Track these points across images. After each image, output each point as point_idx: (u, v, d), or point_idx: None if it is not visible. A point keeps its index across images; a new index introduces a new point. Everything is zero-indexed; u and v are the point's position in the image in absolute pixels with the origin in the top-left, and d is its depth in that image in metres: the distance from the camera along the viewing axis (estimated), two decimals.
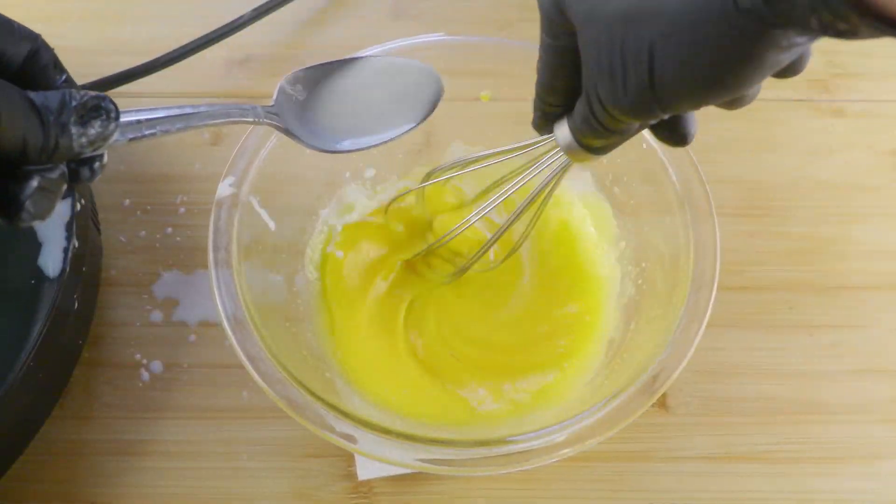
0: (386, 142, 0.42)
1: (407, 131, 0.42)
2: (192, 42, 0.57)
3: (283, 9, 0.61)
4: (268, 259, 0.47)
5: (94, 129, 0.31)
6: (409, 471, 0.45)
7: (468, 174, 0.47)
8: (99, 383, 0.49)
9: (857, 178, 0.56)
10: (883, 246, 0.54)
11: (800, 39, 0.28)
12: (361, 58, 0.43)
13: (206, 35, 0.58)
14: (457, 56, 0.51)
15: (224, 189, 0.45)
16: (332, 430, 0.39)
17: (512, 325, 0.49)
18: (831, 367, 0.50)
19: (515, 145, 0.41)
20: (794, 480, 0.47)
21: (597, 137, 0.35)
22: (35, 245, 0.44)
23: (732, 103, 0.33)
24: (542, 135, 0.39)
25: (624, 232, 0.50)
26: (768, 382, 0.49)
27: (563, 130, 0.37)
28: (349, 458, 0.46)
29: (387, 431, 0.39)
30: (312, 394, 0.40)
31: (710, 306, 0.42)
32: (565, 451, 0.39)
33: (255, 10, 0.59)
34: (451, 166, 0.46)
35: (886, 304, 0.52)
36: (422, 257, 0.50)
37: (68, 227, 0.45)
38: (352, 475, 0.46)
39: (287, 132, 0.40)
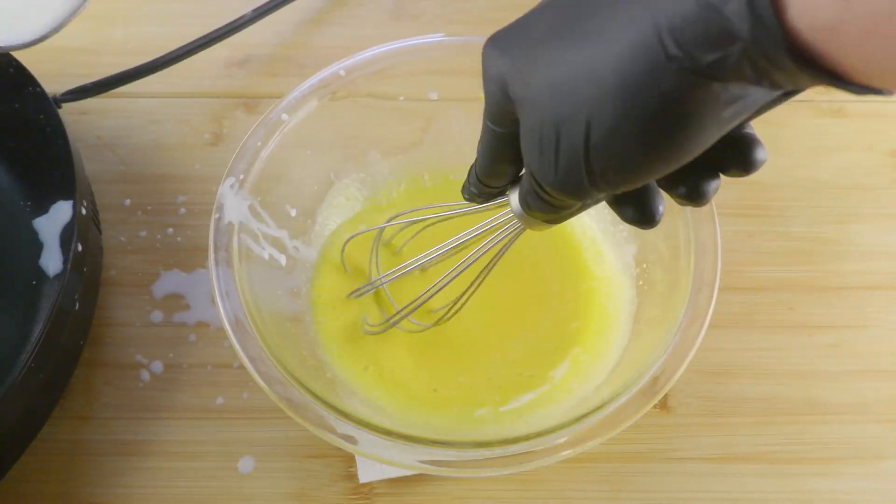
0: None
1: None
2: (192, 42, 0.57)
3: (283, 9, 0.60)
4: (268, 261, 0.47)
5: None
6: (410, 472, 0.45)
7: (427, 233, 0.47)
8: (99, 383, 0.49)
9: (857, 178, 0.56)
10: (883, 246, 0.54)
11: (739, 92, 0.25)
12: None
13: (207, 35, 0.58)
14: (457, 56, 0.51)
15: (225, 189, 0.45)
16: (332, 430, 0.39)
17: (514, 338, 0.49)
18: (831, 367, 0.50)
19: (476, 208, 0.40)
20: (794, 480, 0.47)
21: (543, 212, 0.33)
22: (36, 245, 0.44)
23: (688, 197, 0.31)
24: (468, 201, 0.38)
25: (629, 235, 0.50)
26: (769, 383, 0.49)
27: (514, 200, 0.36)
28: (350, 459, 0.46)
29: (387, 432, 0.39)
30: (313, 394, 0.40)
31: (712, 307, 0.42)
32: (566, 452, 0.39)
33: (255, 10, 0.59)
34: (411, 212, 0.46)
35: (887, 304, 0.52)
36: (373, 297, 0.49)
37: (69, 227, 0.44)
38: (352, 476, 0.46)
39: None
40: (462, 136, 0.53)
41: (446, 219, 0.44)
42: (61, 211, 0.45)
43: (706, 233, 0.44)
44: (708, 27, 0.24)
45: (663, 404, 0.48)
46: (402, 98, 0.52)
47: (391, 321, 0.46)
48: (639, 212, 0.33)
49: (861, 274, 0.53)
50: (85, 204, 0.47)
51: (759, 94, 0.26)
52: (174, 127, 0.58)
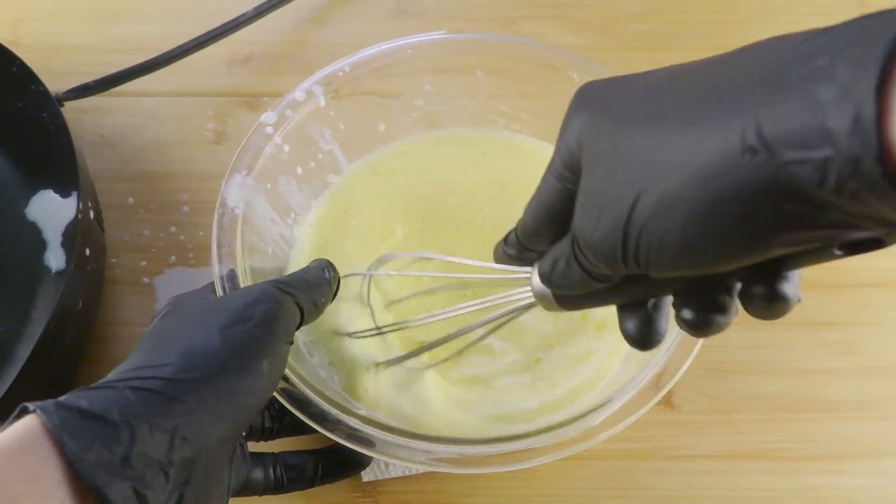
0: None
1: None
2: (193, 39, 0.57)
3: (285, 6, 0.60)
4: (271, 257, 0.47)
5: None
6: (413, 471, 0.45)
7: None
8: None
9: None
10: None
11: (805, 212, 0.23)
12: None
13: (208, 32, 0.58)
14: (459, 54, 0.51)
15: (228, 187, 0.45)
16: (335, 427, 0.39)
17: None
18: (837, 364, 0.50)
19: (492, 270, 0.40)
20: (799, 478, 0.46)
21: (563, 282, 0.32)
22: (40, 243, 0.44)
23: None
24: (497, 263, 0.38)
25: None
26: (774, 380, 0.49)
27: (536, 275, 0.35)
28: None
29: (392, 430, 0.39)
30: (317, 391, 0.40)
31: None
32: (571, 448, 0.38)
33: (257, 7, 0.59)
34: (411, 260, 0.46)
35: (892, 301, 0.52)
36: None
37: (72, 225, 0.44)
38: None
39: None
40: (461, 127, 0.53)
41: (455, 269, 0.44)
42: (64, 209, 0.45)
43: None
44: (801, 123, 0.22)
45: (668, 402, 0.48)
46: (404, 95, 0.52)
47: (393, 361, 0.45)
48: (638, 328, 0.32)
49: (867, 270, 0.53)
50: (88, 202, 0.46)
51: (828, 223, 0.24)
52: (176, 125, 0.58)
